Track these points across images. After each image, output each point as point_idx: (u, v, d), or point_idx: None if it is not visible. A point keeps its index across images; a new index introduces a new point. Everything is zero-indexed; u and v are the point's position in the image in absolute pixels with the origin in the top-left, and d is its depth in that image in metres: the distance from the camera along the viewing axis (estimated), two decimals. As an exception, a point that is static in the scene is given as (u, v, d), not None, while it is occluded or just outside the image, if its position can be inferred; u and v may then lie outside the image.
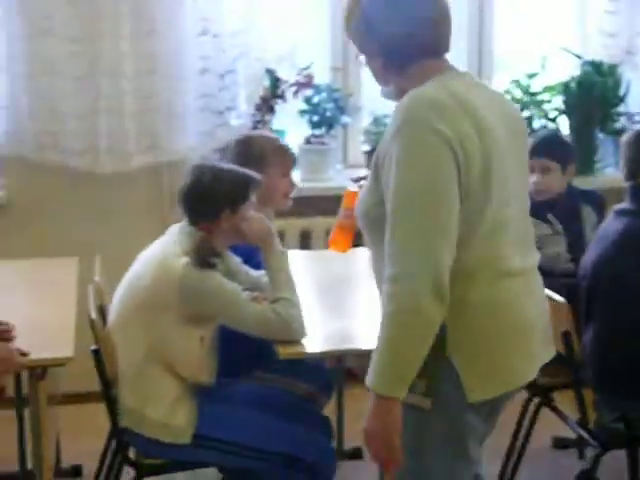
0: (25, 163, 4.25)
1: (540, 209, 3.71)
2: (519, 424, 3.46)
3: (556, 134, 4.15)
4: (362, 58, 2.23)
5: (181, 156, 4.33)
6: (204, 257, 2.75)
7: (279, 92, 4.52)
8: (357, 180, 2.82)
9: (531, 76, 4.83)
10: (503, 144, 2.11)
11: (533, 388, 3.33)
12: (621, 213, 3.14)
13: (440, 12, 2.16)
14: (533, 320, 2.20)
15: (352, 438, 3.67)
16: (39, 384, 2.81)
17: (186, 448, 2.83)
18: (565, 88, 4.79)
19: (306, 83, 4.54)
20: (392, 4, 2.12)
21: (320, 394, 3.32)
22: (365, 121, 4.73)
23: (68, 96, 4.17)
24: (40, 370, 2.81)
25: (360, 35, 2.19)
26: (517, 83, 4.83)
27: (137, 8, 4.15)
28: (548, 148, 3.74)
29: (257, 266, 3.09)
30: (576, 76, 4.77)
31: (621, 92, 4.85)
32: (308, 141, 4.58)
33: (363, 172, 3.20)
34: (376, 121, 4.60)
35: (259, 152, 3.23)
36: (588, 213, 3.77)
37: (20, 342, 2.79)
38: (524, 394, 3.40)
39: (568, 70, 4.83)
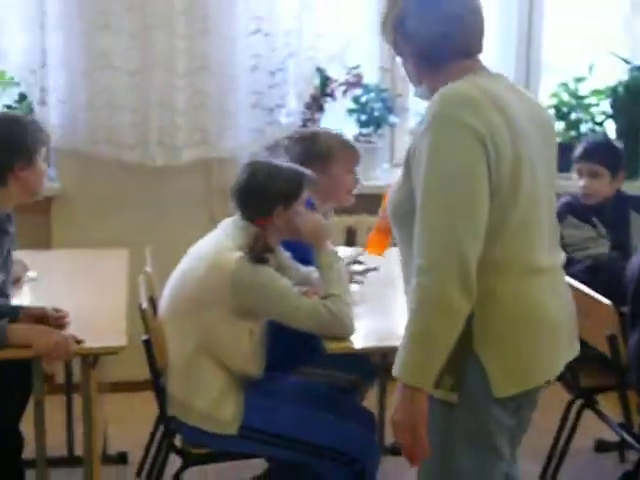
0: (79, 156, 4.26)
1: (586, 212, 3.69)
2: (562, 425, 3.41)
3: (608, 140, 4.07)
4: (399, 59, 2.25)
5: (231, 152, 4.34)
6: (259, 252, 2.74)
7: (329, 91, 4.52)
8: None
9: (579, 80, 4.78)
10: (532, 144, 2.11)
11: (577, 390, 3.29)
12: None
13: (472, 12, 2.16)
14: (559, 317, 2.19)
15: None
16: (90, 372, 2.80)
17: (232, 439, 2.81)
18: (613, 92, 4.73)
19: (355, 83, 4.54)
20: (425, 5, 2.14)
21: (362, 382, 3.31)
22: (412, 121, 4.69)
23: (122, 91, 4.17)
24: (92, 358, 2.81)
25: (394, 36, 2.20)
26: (565, 87, 4.77)
27: (191, 7, 4.15)
28: (599, 153, 3.70)
29: (304, 262, 3.07)
30: (624, 80, 4.72)
31: (668, 97, 4.78)
32: (356, 140, 4.54)
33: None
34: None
35: (325, 148, 3.20)
36: (636, 218, 3.72)
37: (73, 330, 2.78)
38: (567, 396, 3.35)
39: (616, 74, 4.77)
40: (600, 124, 4.79)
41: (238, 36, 4.22)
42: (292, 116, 4.40)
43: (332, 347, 2.73)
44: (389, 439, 3.77)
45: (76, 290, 3.28)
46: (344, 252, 3.37)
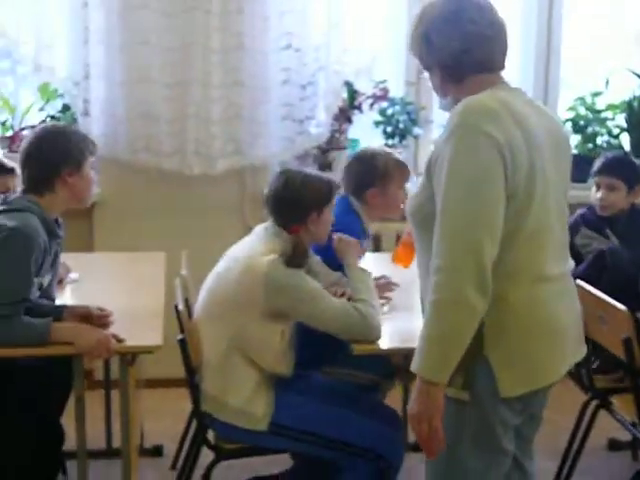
0: (119, 164, 4.28)
1: (599, 224, 3.69)
2: (577, 425, 3.38)
3: (626, 155, 4.08)
4: (426, 74, 2.27)
5: (263, 161, 4.36)
6: (298, 258, 2.76)
7: (356, 103, 4.53)
8: None
9: (595, 94, 4.75)
10: (547, 156, 2.12)
11: (592, 391, 3.27)
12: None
13: (495, 30, 2.17)
14: (567, 323, 2.20)
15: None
16: (128, 369, 2.81)
17: (262, 435, 2.80)
18: (628, 106, 4.69)
19: (382, 96, 4.54)
20: (450, 22, 2.15)
21: (383, 381, 3.31)
22: (435, 133, 4.68)
23: (160, 102, 4.20)
24: (130, 356, 2.82)
25: (420, 51, 2.23)
26: (582, 101, 4.75)
27: (226, 23, 4.17)
28: (617, 168, 3.71)
29: (333, 265, 3.08)
30: (638, 95, 4.68)
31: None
32: (381, 150, 4.55)
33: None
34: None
35: (384, 168, 3.30)
36: None
37: (112, 329, 2.79)
38: (583, 397, 3.33)
39: (631, 89, 4.73)
40: (616, 137, 4.76)
41: (270, 51, 4.23)
42: (321, 127, 4.41)
43: (358, 348, 2.72)
44: (412, 437, 3.74)
45: (115, 291, 3.29)
46: (371, 263, 3.39)
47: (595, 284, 3.10)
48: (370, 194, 3.28)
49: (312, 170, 3.00)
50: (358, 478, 2.83)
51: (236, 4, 4.15)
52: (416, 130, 4.58)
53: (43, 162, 2.82)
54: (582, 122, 4.73)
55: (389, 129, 4.55)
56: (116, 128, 4.22)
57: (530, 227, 2.08)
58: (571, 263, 2.28)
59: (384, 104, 4.55)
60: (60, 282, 3.23)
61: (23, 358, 2.79)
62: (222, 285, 2.82)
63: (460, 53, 2.15)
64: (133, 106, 4.18)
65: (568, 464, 3.39)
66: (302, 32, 4.26)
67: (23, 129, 4.39)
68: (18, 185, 2.93)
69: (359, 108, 4.53)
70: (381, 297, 3.17)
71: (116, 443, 3.50)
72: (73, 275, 3.39)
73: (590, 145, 4.71)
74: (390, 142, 4.56)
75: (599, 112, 4.75)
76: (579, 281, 3.00)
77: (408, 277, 3.28)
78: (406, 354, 3.26)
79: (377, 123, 4.58)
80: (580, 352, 2.30)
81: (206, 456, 2.94)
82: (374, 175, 3.27)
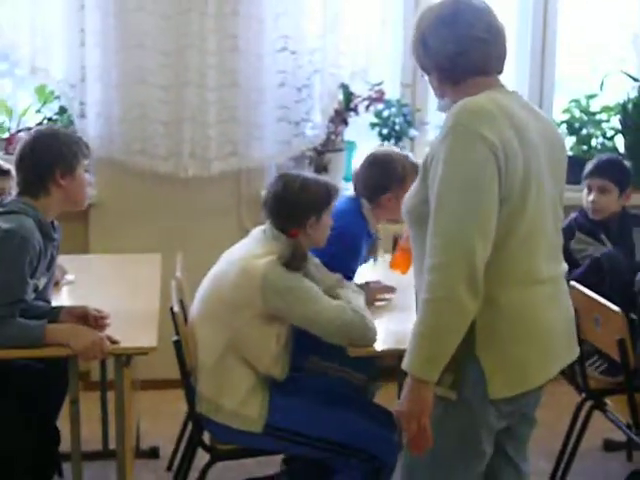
0: (115, 166, 4.27)
1: (594, 229, 3.69)
2: (572, 426, 3.37)
3: (618, 158, 4.05)
4: (425, 76, 2.28)
5: (259, 163, 4.35)
6: (298, 261, 2.75)
7: (352, 106, 4.52)
8: None
9: (590, 97, 4.74)
10: (542, 160, 2.13)
11: (586, 392, 3.26)
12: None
13: (492, 34, 2.18)
14: (560, 326, 2.21)
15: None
16: (124, 370, 2.80)
17: (257, 436, 2.80)
18: (622, 109, 4.69)
19: (377, 98, 4.53)
20: (446, 25, 2.16)
21: (371, 382, 3.29)
22: (431, 135, 4.67)
23: (156, 105, 4.18)
24: (125, 358, 2.81)
25: (419, 54, 2.24)
26: (577, 103, 4.74)
27: (222, 25, 4.16)
28: (609, 170, 3.71)
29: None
30: (633, 97, 4.67)
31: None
32: (377, 152, 4.53)
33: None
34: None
35: (401, 170, 3.23)
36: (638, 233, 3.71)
37: (109, 330, 2.79)
38: (578, 398, 3.32)
39: (626, 91, 4.73)
40: (611, 139, 4.76)
41: (266, 54, 4.22)
42: (317, 129, 4.40)
43: (353, 350, 2.72)
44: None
45: (111, 293, 3.27)
46: (369, 267, 3.40)
47: (594, 289, 3.09)
48: (386, 198, 3.21)
49: (310, 174, 3.00)
50: (353, 479, 2.83)
51: (231, 6, 4.14)
52: (412, 132, 4.57)
53: (36, 165, 2.81)
54: (577, 124, 4.72)
55: (385, 131, 4.54)
56: (112, 130, 4.21)
57: (523, 230, 2.08)
58: (564, 266, 2.28)
59: (380, 106, 4.53)
60: (56, 284, 3.22)
61: (20, 359, 2.78)
62: (219, 287, 2.81)
63: (455, 55, 2.15)
64: (129, 108, 4.17)
65: (563, 465, 3.38)
66: (298, 34, 4.26)
67: (20, 131, 4.38)
68: (13, 187, 2.93)
69: (355, 110, 4.52)
70: (380, 299, 3.17)
71: (112, 444, 3.49)
72: (69, 277, 3.38)
73: (585, 147, 4.70)
74: (386, 144, 4.55)
75: (594, 114, 4.75)
76: (573, 283, 3.00)
77: (404, 280, 3.29)
78: (400, 355, 3.29)
79: (373, 125, 4.57)
80: (572, 354, 2.30)
81: (202, 457, 2.94)
82: (392, 179, 3.20)
